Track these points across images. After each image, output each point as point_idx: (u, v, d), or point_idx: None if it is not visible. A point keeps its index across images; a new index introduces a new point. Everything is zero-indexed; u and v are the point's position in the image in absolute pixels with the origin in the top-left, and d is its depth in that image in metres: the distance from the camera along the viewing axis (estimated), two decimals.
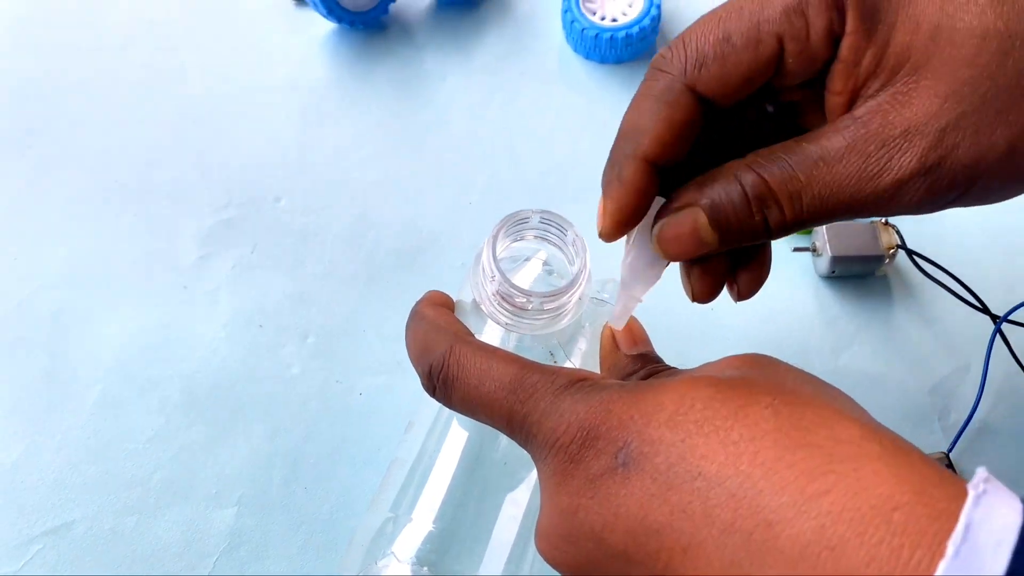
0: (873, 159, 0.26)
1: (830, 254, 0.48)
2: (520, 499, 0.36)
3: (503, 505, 0.36)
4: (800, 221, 0.28)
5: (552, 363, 0.37)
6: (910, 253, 0.48)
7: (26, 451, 0.43)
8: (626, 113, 0.30)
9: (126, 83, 0.52)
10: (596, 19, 0.54)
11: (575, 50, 0.55)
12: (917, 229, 0.49)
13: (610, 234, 0.30)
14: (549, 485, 0.27)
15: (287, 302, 0.47)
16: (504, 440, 0.36)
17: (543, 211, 0.33)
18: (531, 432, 0.27)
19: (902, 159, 0.26)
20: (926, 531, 0.19)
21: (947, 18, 0.26)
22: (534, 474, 0.36)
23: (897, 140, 0.26)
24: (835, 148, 0.27)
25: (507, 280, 0.32)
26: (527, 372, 0.28)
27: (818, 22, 0.27)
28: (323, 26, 0.54)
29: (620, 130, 0.30)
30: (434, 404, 0.38)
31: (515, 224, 0.33)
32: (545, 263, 0.38)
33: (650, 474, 0.24)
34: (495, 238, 0.32)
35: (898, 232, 0.48)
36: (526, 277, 0.38)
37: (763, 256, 0.32)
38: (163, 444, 0.43)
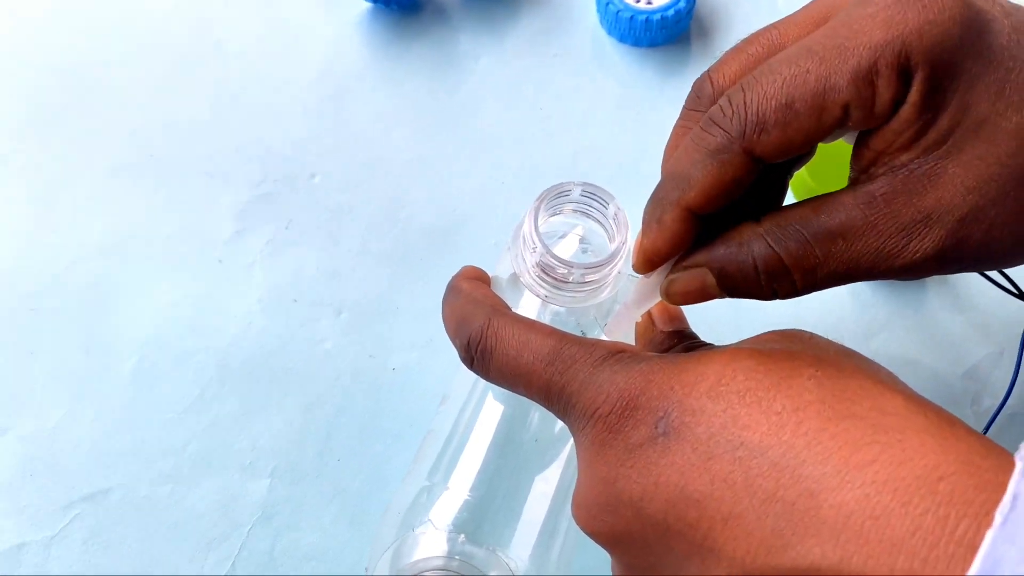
0: (891, 241, 0.26)
1: None
2: (551, 476, 0.36)
3: (534, 482, 0.36)
4: (812, 290, 0.28)
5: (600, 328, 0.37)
6: None
7: (64, 419, 0.43)
8: (675, 154, 0.29)
9: (164, 59, 0.53)
10: (631, 1, 0.54)
11: (609, 32, 0.55)
12: None
13: (641, 269, 0.30)
14: (587, 455, 0.27)
15: (321, 278, 0.47)
16: (536, 417, 0.36)
17: (585, 183, 0.34)
18: (569, 403, 0.27)
19: (921, 244, 0.26)
20: (972, 501, 0.19)
21: (995, 114, 0.26)
22: (565, 451, 0.37)
23: (917, 226, 0.26)
24: (855, 225, 0.26)
25: (549, 251, 0.32)
26: (565, 344, 0.28)
27: (886, 93, 0.26)
28: (359, 5, 0.55)
29: (667, 171, 0.29)
30: (469, 378, 0.38)
31: (556, 196, 0.34)
32: (582, 240, 0.38)
33: (691, 443, 0.24)
34: (537, 209, 0.33)
35: None
36: (563, 252, 0.38)
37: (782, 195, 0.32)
38: (198, 415, 0.44)
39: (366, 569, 0.35)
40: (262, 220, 0.49)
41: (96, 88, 0.52)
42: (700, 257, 0.29)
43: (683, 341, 0.31)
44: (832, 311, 0.48)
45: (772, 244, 0.27)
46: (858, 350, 0.46)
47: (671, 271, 0.30)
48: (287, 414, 0.44)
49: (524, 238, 0.33)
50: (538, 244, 0.32)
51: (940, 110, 0.26)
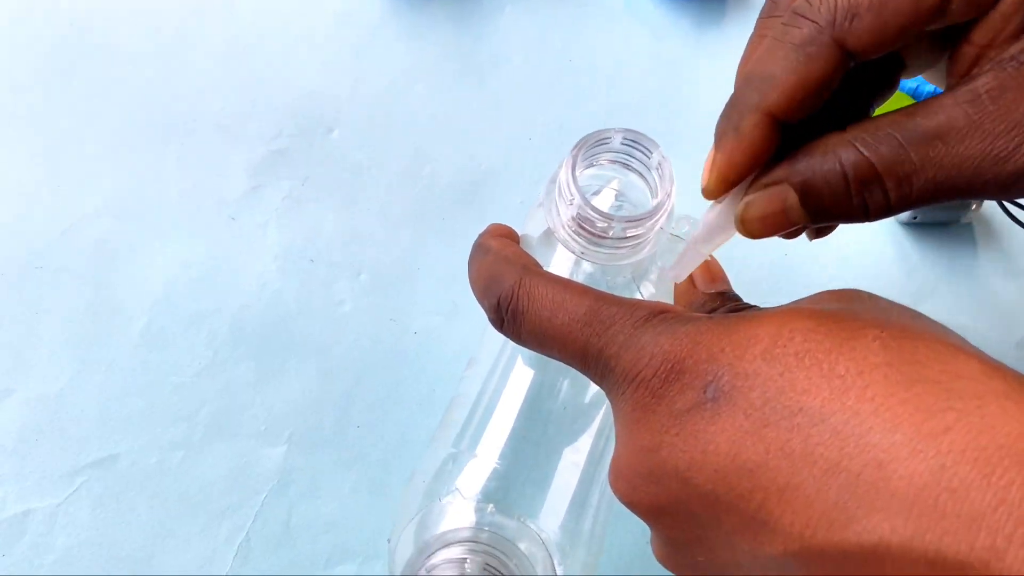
0: (1000, 142, 0.23)
1: None
2: (582, 445, 0.34)
3: (564, 451, 0.34)
4: (906, 205, 0.24)
5: (638, 292, 0.35)
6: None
7: (71, 382, 0.41)
8: (752, 56, 0.27)
9: (176, 11, 0.50)
10: None
11: None
12: None
13: (715, 190, 0.27)
14: (628, 422, 0.25)
15: (339, 237, 0.45)
16: (566, 383, 0.34)
17: (626, 130, 0.31)
18: (608, 366, 0.25)
19: None
20: None
21: None
22: (597, 419, 0.34)
23: None
24: (956, 126, 0.23)
25: (587, 202, 0.29)
26: (603, 304, 0.26)
27: None
28: None
29: (743, 74, 0.27)
30: (496, 341, 0.36)
31: (596, 144, 0.31)
32: (618, 195, 0.36)
33: (743, 409, 0.22)
34: (575, 157, 0.30)
35: None
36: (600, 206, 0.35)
37: None
38: (210, 379, 0.42)
39: (389, 540, 0.33)
40: (277, 176, 0.46)
41: (105, 41, 0.50)
42: (780, 172, 0.25)
43: (727, 303, 0.29)
44: (878, 276, 0.46)
45: (862, 148, 0.24)
46: None
47: (747, 192, 0.26)
48: (304, 379, 0.42)
49: (560, 189, 0.30)
50: (576, 195, 0.29)
51: None
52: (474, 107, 0.49)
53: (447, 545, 0.29)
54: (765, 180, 0.26)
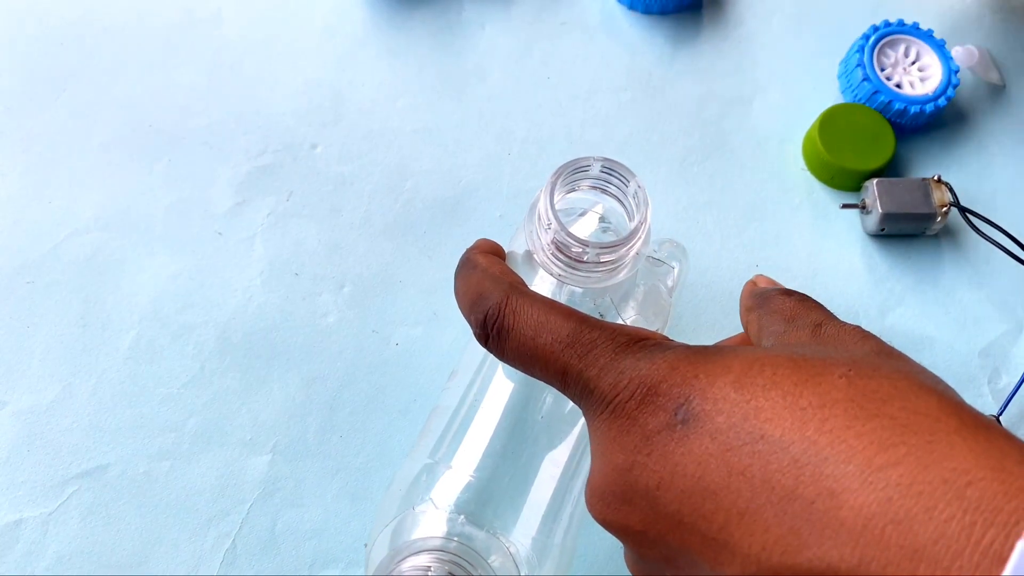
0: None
1: (880, 211, 0.46)
2: (559, 459, 0.35)
3: (542, 464, 0.35)
4: None
5: (616, 315, 0.36)
6: (963, 210, 0.46)
7: (61, 394, 0.42)
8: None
9: (162, 27, 0.52)
10: None
11: None
12: (971, 186, 0.48)
13: None
14: (603, 442, 0.26)
15: (323, 250, 0.46)
16: (548, 398, 0.35)
17: (605, 159, 0.32)
18: (587, 388, 0.26)
19: None
20: (1002, 509, 0.18)
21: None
22: (574, 434, 0.36)
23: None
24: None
25: (564, 228, 0.31)
26: (586, 327, 0.27)
27: None
28: None
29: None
30: (478, 353, 0.37)
31: (574, 172, 0.32)
32: (602, 218, 0.37)
33: (709, 433, 0.23)
34: (553, 184, 0.31)
35: (951, 189, 0.47)
36: (581, 230, 0.37)
37: None
38: (197, 390, 0.43)
39: (366, 545, 0.34)
40: (262, 192, 0.48)
41: (93, 57, 0.51)
42: None
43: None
44: (847, 286, 0.47)
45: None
46: (873, 326, 0.46)
47: None
48: (289, 389, 0.43)
49: (539, 215, 0.32)
50: (553, 221, 0.31)
51: None
52: (454, 122, 0.50)
53: (416, 552, 0.31)
54: None
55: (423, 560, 0.30)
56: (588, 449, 0.36)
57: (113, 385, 0.43)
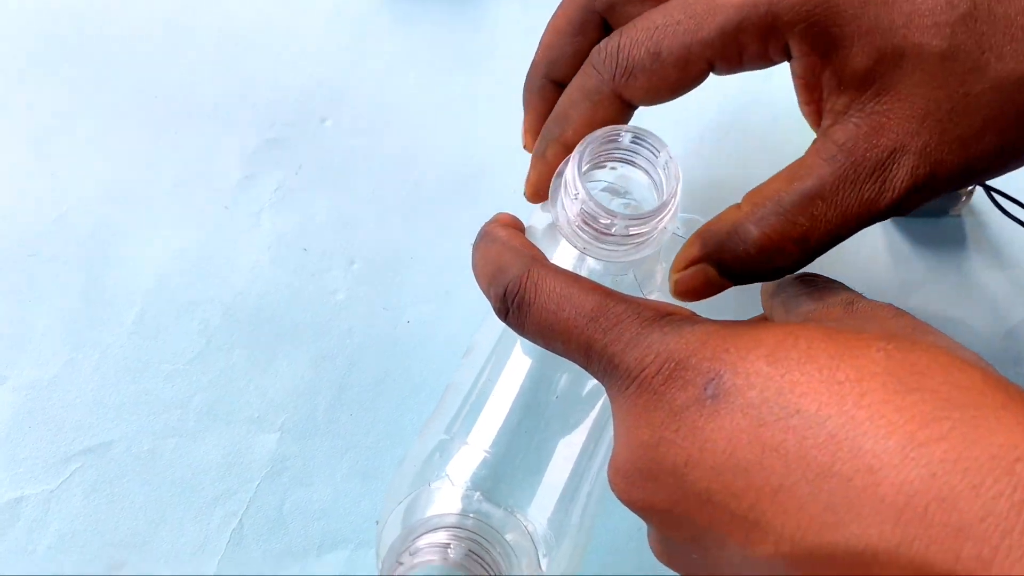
0: (867, 188, 0.26)
1: None
2: (575, 439, 0.34)
3: (557, 443, 0.34)
4: (811, 256, 0.28)
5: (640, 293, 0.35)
6: (989, 189, 0.45)
7: (64, 369, 0.41)
8: (562, 94, 0.32)
9: (170, 0, 0.50)
10: None
11: None
12: None
13: (530, 199, 0.34)
14: (628, 420, 0.25)
15: (332, 226, 0.45)
16: (565, 375, 0.34)
17: (636, 128, 0.31)
18: (612, 363, 0.25)
19: (894, 182, 0.26)
20: None
21: (912, 45, 0.26)
22: (592, 413, 0.35)
23: (886, 163, 0.26)
24: (827, 184, 0.27)
25: (592, 198, 0.29)
26: (612, 301, 0.26)
27: (751, 48, 0.28)
28: None
29: (554, 109, 0.33)
30: (494, 331, 0.36)
31: (604, 141, 0.31)
32: (625, 192, 0.36)
33: (741, 408, 0.22)
34: (582, 152, 0.30)
35: None
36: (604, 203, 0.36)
37: None
38: (203, 366, 0.42)
39: (377, 522, 0.33)
40: (271, 166, 0.47)
41: (99, 28, 0.49)
42: (696, 252, 0.29)
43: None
44: (869, 268, 0.46)
45: (756, 225, 0.28)
46: None
47: (672, 273, 0.30)
48: (297, 367, 0.42)
49: (565, 184, 0.30)
50: (580, 190, 0.30)
51: (847, 54, 0.27)
52: (468, 96, 0.49)
53: (432, 530, 0.30)
54: (685, 259, 0.29)
55: (441, 537, 0.29)
56: (606, 430, 0.35)
57: (117, 360, 0.42)
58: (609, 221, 0.30)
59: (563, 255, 0.35)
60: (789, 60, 0.29)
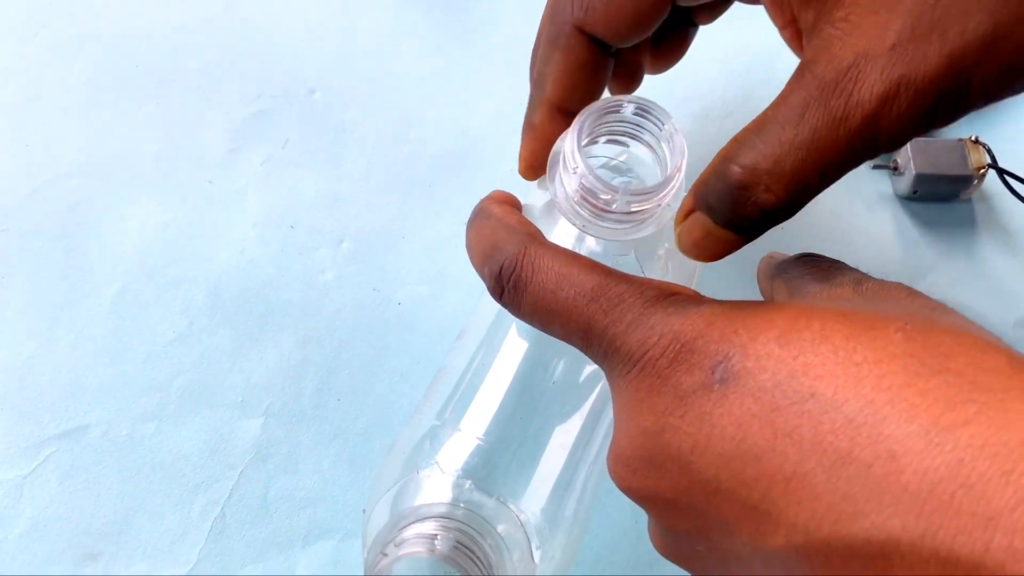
0: (833, 101, 0.23)
1: (913, 172, 0.44)
2: (571, 427, 0.33)
3: (552, 432, 0.33)
4: (798, 194, 0.25)
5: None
6: (1001, 172, 0.44)
7: (39, 349, 0.40)
8: (533, 53, 0.31)
9: None
10: None
11: None
12: (1008, 148, 0.45)
13: (525, 175, 0.32)
14: (630, 404, 0.23)
15: (321, 203, 0.43)
16: (561, 361, 0.33)
17: (638, 99, 0.29)
18: (613, 345, 0.24)
19: (862, 90, 0.23)
20: None
21: None
22: (589, 401, 0.33)
23: (848, 71, 0.23)
24: (796, 105, 0.24)
25: (592, 172, 0.28)
26: (612, 280, 0.25)
27: None
28: None
29: (531, 73, 0.31)
30: (489, 312, 0.35)
31: (604, 112, 0.29)
32: (626, 168, 0.35)
33: (752, 392, 0.20)
34: (581, 125, 0.28)
35: (989, 151, 0.44)
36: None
37: (683, 39, 0.34)
38: (186, 348, 0.40)
39: (364, 510, 0.31)
40: (257, 139, 0.45)
41: None
42: (686, 202, 0.27)
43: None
44: (878, 250, 0.44)
45: (733, 162, 0.25)
46: None
47: (675, 226, 0.28)
48: (283, 349, 0.40)
49: (564, 158, 0.29)
50: (580, 164, 0.28)
51: None
52: (464, 69, 0.47)
53: (420, 520, 0.28)
54: (682, 210, 0.27)
55: (428, 528, 0.28)
56: (603, 417, 0.34)
57: (95, 341, 0.40)
58: (609, 197, 0.28)
59: (561, 234, 0.33)
60: None
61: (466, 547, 0.28)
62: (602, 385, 0.34)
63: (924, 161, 0.44)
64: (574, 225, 0.30)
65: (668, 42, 0.35)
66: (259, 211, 0.43)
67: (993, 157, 0.44)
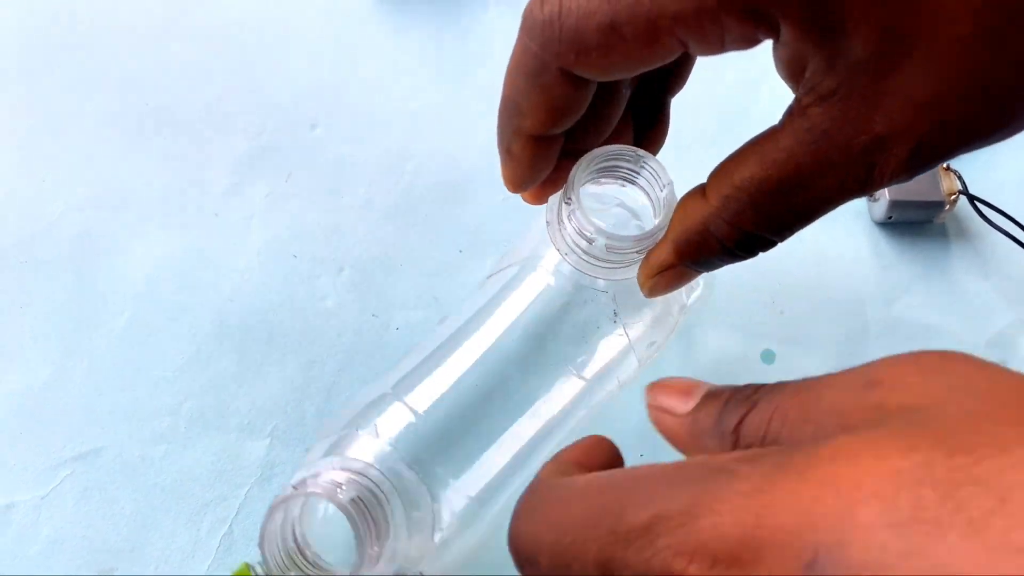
0: (853, 172, 0.24)
1: (888, 199, 0.46)
2: (523, 433, 0.35)
3: (508, 430, 0.34)
4: (788, 235, 0.26)
5: (612, 315, 0.36)
6: (972, 199, 0.46)
7: (54, 375, 0.42)
8: (505, 79, 0.28)
9: (160, 5, 0.50)
10: None
11: None
12: (980, 176, 0.47)
13: (514, 191, 0.31)
14: None
15: (322, 233, 0.46)
16: (534, 371, 0.35)
17: (646, 154, 0.30)
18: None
19: (885, 168, 0.24)
20: None
21: (928, 31, 0.22)
22: (548, 414, 0.35)
23: (874, 152, 0.23)
24: (807, 171, 0.24)
25: (581, 207, 0.30)
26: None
27: (735, 30, 0.24)
28: None
29: (502, 97, 0.28)
30: (474, 304, 0.37)
31: (607, 158, 0.30)
32: (635, 214, 0.36)
33: None
34: (588, 161, 0.30)
35: (960, 178, 0.46)
36: (606, 219, 0.35)
37: (662, 118, 0.32)
38: (194, 373, 0.42)
39: (307, 450, 0.34)
40: (261, 172, 0.47)
41: (89, 33, 0.50)
42: (667, 256, 0.27)
43: (729, 402, 0.20)
44: (853, 274, 0.46)
45: (729, 222, 0.25)
46: (879, 316, 0.45)
47: (642, 273, 0.29)
48: (287, 373, 0.42)
49: (567, 186, 0.31)
50: (573, 199, 0.30)
51: (837, 36, 0.23)
52: (458, 104, 0.49)
53: (339, 468, 0.30)
54: (655, 265, 0.28)
55: (339, 476, 0.30)
56: (557, 431, 0.35)
57: (107, 367, 0.42)
58: (592, 232, 0.30)
59: (548, 257, 0.35)
60: (775, 40, 0.25)
61: (364, 503, 0.30)
62: (573, 398, 0.35)
63: (898, 188, 0.46)
64: (556, 248, 0.32)
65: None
66: (263, 241, 0.45)
67: (964, 184, 0.46)
